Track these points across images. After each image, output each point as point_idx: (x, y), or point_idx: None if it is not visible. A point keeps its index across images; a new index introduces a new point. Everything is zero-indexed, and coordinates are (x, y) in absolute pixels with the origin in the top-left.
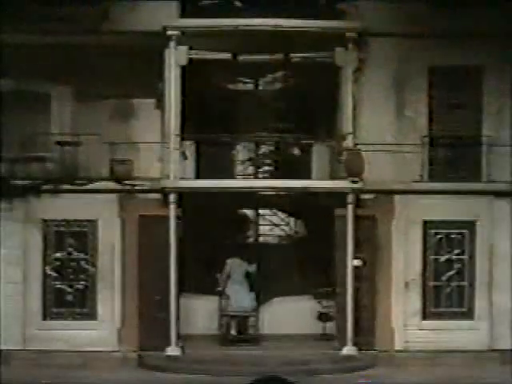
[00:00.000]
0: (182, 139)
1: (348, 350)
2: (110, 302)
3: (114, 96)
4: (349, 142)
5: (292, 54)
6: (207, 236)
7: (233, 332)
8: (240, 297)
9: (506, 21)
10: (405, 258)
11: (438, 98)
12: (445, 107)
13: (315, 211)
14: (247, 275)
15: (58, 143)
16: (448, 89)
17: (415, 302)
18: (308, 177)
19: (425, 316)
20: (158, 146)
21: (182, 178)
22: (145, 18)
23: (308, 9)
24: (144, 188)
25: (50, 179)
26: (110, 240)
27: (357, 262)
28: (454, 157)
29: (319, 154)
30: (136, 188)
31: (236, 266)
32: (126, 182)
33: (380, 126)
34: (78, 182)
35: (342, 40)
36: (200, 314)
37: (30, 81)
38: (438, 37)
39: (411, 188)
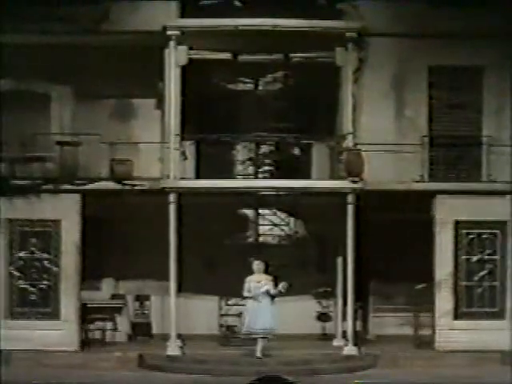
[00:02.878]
0: (182, 139)
1: (348, 350)
2: (72, 302)
3: (114, 96)
4: (349, 142)
5: (292, 54)
6: (207, 236)
7: (258, 354)
8: (254, 317)
9: (506, 21)
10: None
11: (438, 98)
12: (445, 107)
13: (315, 211)
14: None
15: (58, 143)
16: (448, 89)
17: (447, 302)
18: (308, 177)
19: (456, 316)
20: (158, 145)
21: (182, 178)
22: (145, 17)
23: (308, 9)
24: (144, 188)
25: (50, 179)
26: (73, 240)
27: None
28: (454, 157)
29: (319, 154)
30: (136, 188)
31: (254, 283)
32: (126, 181)
33: (380, 126)
34: (78, 181)
35: (342, 40)
36: (200, 313)
37: (30, 81)
38: (438, 37)
39: (411, 188)
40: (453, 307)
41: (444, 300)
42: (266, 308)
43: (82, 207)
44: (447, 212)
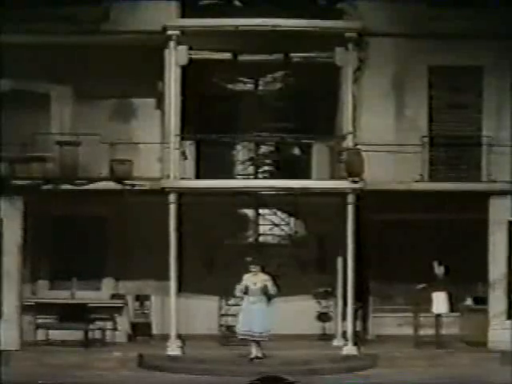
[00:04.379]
0: (182, 139)
1: (348, 349)
2: (13, 302)
3: (114, 96)
4: (349, 142)
5: (292, 54)
6: (207, 236)
7: (252, 355)
8: (249, 319)
9: (506, 21)
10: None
11: (438, 98)
12: (445, 107)
13: (315, 211)
14: (266, 293)
15: (58, 143)
16: (448, 89)
17: (501, 302)
18: (308, 177)
19: (510, 316)
20: (158, 146)
21: (182, 178)
22: (145, 17)
23: (308, 9)
24: (144, 188)
25: (50, 179)
26: (16, 239)
27: None
28: (454, 157)
29: (319, 154)
30: (136, 188)
31: (250, 283)
32: (126, 181)
33: (380, 125)
34: (77, 181)
35: (342, 40)
36: (200, 313)
37: (30, 81)
38: (438, 37)
39: (411, 188)
40: (506, 307)
41: (498, 300)
42: (260, 310)
43: (25, 207)
44: (501, 212)
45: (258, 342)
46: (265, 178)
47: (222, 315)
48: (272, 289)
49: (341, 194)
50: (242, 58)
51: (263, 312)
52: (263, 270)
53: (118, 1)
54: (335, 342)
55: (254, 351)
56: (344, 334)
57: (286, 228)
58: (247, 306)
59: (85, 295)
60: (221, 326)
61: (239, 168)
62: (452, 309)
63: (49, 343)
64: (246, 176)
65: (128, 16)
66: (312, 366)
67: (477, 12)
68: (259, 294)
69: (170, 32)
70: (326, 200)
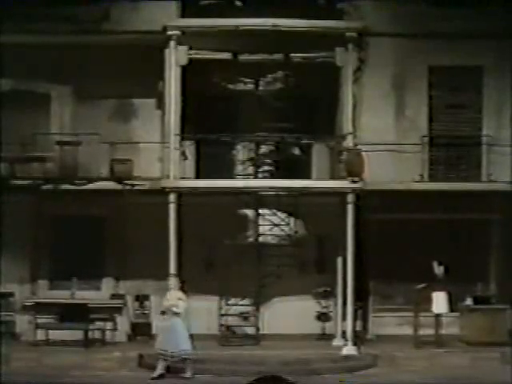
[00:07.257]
0: (182, 139)
1: (347, 349)
2: None
3: (114, 96)
4: (349, 142)
5: (292, 54)
6: (207, 236)
7: (155, 374)
8: (164, 337)
9: (506, 21)
10: None
11: (438, 98)
12: (445, 107)
13: (315, 211)
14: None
15: (58, 143)
16: (448, 89)
17: None
18: (308, 177)
19: None
20: (158, 145)
21: (182, 178)
22: (145, 17)
23: (308, 9)
24: (144, 188)
25: (50, 179)
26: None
27: None
28: (454, 157)
29: (319, 154)
30: (136, 188)
31: (165, 299)
32: (126, 181)
33: (380, 125)
34: (77, 181)
35: (342, 40)
36: (200, 313)
37: (30, 81)
38: (438, 37)
39: (411, 188)
40: None
41: None
42: (175, 328)
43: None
44: None
45: (166, 360)
46: (265, 177)
47: (222, 315)
48: (179, 307)
49: (341, 194)
50: (242, 57)
51: (177, 330)
52: (182, 288)
53: (119, 1)
54: (335, 342)
55: (158, 368)
56: (344, 333)
57: (285, 228)
58: (161, 323)
59: (85, 295)
60: (221, 325)
61: (239, 168)
62: (452, 309)
63: (49, 343)
64: (246, 176)
65: (128, 16)
66: (312, 366)
67: (477, 12)
68: (172, 312)
69: (170, 32)
70: (326, 200)
